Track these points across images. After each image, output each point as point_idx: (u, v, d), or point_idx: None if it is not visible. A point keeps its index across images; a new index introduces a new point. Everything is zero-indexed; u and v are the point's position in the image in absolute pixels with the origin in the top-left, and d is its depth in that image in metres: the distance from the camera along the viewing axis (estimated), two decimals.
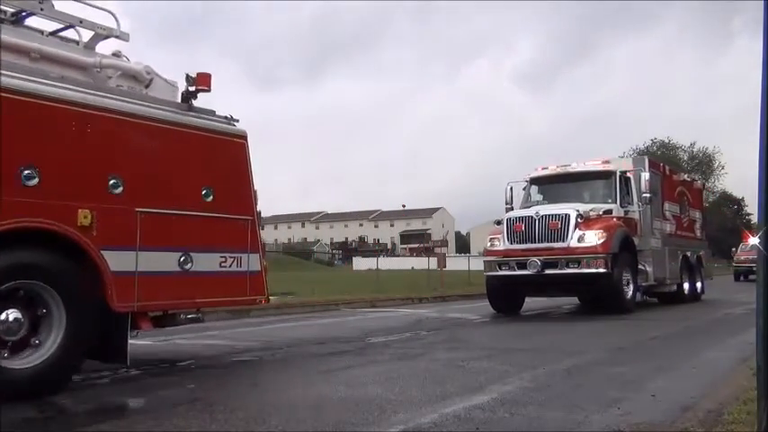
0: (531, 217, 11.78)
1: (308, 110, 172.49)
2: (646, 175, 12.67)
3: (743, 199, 69.86)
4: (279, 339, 8.44)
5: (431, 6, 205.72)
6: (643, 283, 12.77)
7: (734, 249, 31.80)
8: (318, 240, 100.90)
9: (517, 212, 12.54)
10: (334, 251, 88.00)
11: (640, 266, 12.60)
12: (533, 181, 13.81)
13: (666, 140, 64.20)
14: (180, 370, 5.90)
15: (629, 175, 13.12)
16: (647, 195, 12.57)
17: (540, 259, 11.32)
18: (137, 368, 5.98)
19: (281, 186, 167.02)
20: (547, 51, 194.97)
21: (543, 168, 13.84)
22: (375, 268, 26.28)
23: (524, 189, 13.84)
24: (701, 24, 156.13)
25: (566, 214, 11.53)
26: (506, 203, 13.80)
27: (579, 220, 11.41)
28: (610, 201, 12.38)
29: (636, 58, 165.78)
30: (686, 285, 15.32)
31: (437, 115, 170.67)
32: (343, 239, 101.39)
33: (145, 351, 7.39)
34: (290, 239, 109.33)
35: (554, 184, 13.40)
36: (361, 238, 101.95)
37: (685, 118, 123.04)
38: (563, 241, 11.38)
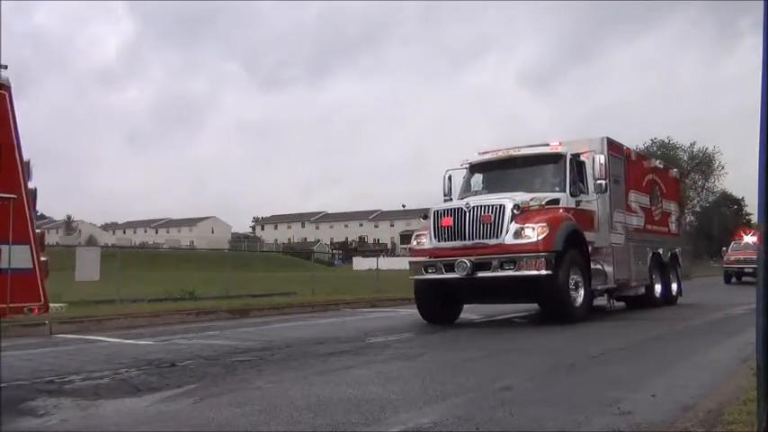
0: (461, 209, 9.85)
1: (311, 110, 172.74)
2: (601, 158, 10.69)
3: (743, 199, 70.05)
4: (279, 339, 8.44)
5: (434, 6, 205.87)
6: (599, 286, 10.92)
7: (724, 249, 29.08)
8: (318, 240, 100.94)
9: (445, 204, 10.66)
10: (334, 251, 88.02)
11: (597, 266, 10.81)
12: (473, 168, 11.82)
13: (666, 140, 64.22)
14: (180, 370, 5.90)
15: (583, 158, 11.05)
16: (603, 182, 10.65)
17: (469, 259, 9.44)
18: (137, 368, 5.99)
19: (283, 186, 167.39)
20: (551, 51, 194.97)
21: (484, 153, 11.81)
22: (375, 268, 26.27)
23: (465, 177, 11.92)
24: (706, 25, 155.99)
25: (500, 205, 9.62)
26: (444, 195, 11.82)
27: (516, 211, 9.55)
28: (558, 189, 10.47)
29: (640, 59, 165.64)
30: (658, 287, 13.48)
31: (439, 115, 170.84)
32: (344, 239, 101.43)
33: (145, 351, 7.40)
34: (290, 239, 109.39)
35: (497, 171, 11.46)
36: (361, 238, 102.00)
37: (688, 118, 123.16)
38: (496, 237, 9.49)
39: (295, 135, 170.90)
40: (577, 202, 10.56)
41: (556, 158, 10.82)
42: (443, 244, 9.97)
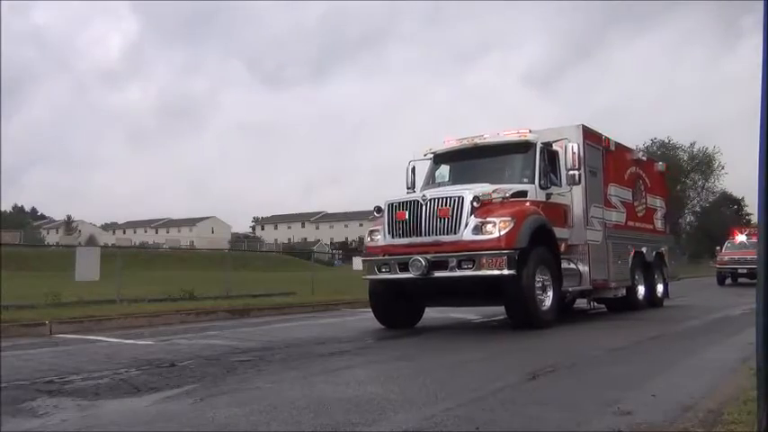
0: (417, 201, 9.01)
1: (312, 109, 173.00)
2: (573, 147, 9.77)
3: (743, 199, 70.01)
4: (279, 339, 8.43)
5: (437, 6, 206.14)
6: (571, 288, 10.08)
7: (718, 248, 27.86)
8: (318, 240, 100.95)
9: (400, 196, 9.63)
10: (334, 251, 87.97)
11: (571, 266, 10.05)
12: (438, 158, 10.96)
13: (666, 140, 64.16)
14: (180, 370, 5.90)
15: (555, 147, 10.20)
16: (576, 173, 9.71)
17: (425, 258, 8.59)
18: (137, 368, 5.99)
19: (283, 186, 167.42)
20: (553, 51, 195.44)
21: (449, 141, 10.88)
22: None
23: (429, 168, 11.13)
24: (709, 25, 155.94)
25: (458, 197, 8.77)
26: (408, 188, 10.98)
27: (475, 204, 8.68)
28: (526, 180, 9.69)
29: (642, 58, 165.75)
30: (641, 289, 12.64)
31: (442, 115, 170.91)
32: (343, 239, 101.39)
33: (145, 351, 7.40)
34: (290, 239, 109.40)
35: (463, 161, 10.60)
36: (362, 239, 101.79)
37: (691, 118, 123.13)
38: (454, 233, 8.66)
39: (296, 135, 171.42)
40: (548, 195, 9.76)
41: (525, 147, 9.98)
42: (398, 240, 9.14)
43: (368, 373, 5.70)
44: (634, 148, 14.90)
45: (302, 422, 3.78)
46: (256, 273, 31.77)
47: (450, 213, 8.75)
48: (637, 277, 12.45)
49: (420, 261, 8.60)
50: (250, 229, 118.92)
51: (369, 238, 9.79)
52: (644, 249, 12.84)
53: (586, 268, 10.37)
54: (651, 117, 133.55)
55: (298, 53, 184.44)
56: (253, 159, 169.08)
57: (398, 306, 9.82)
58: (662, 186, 15.07)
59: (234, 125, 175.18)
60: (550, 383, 5.09)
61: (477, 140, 10.50)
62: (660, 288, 13.68)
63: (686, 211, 66.56)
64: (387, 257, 9.25)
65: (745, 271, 23.70)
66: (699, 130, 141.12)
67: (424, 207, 8.94)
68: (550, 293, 9.13)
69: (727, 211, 69.50)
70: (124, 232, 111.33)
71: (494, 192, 9.08)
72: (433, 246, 8.80)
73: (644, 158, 14.25)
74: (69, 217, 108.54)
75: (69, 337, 9.26)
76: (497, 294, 8.85)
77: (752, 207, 54.65)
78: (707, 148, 64.33)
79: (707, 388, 4.69)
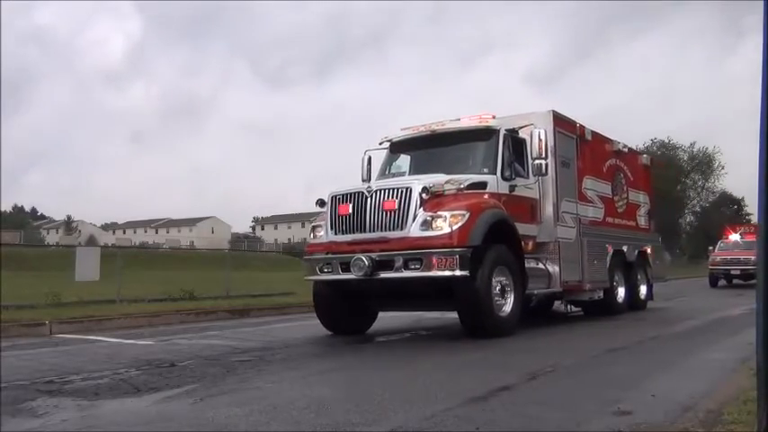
0: (362, 193, 8.05)
1: (314, 109, 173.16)
2: (540, 133, 8.79)
3: (743, 199, 69.99)
4: (279, 339, 8.44)
5: (440, 7, 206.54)
6: (536, 291, 9.12)
7: (711, 248, 26.49)
8: None
9: (345, 188, 8.44)
10: None
11: (539, 266, 9.19)
12: (394, 147, 9.99)
13: (666, 140, 64.12)
14: (180, 370, 5.90)
15: (522, 135, 9.24)
16: (542, 162, 8.79)
17: (369, 257, 7.64)
18: (137, 368, 5.99)
19: (284, 186, 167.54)
20: (554, 51, 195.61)
21: (406, 128, 9.96)
22: None
23: (385, 158, 10.21)
24: (710, 24, 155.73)
25: (406, 188, 7.85)
26: (363, 179, 9.98)
27: (424, 196, 7.75)
28: (487, 171, 8.74)
29: (643, 58, 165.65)
30: (621, 291, 11.66)
31: (443, 114, 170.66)
32: None
33: (145, 351, 7.40)
34: (290, 239, 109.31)
35: (421, 150, 9.68)
36: None
37: (691, 118, 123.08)
38: (401, 229, 7.71)
39: (297, 134, 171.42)
40: (512, 188, 8.82)
41: (487, 134, 9.05)
42: (341, 237, 8.17)
43: (367, 373, 5.70)
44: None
45: (302, 422, 3.78)
46: (256, 273, 31.74)
47: (397, 206, 7.79)
48: (616, 278, 11.54)
49: (362, 261, 7.64)
50: (250, 229, 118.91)
51: (311, 235, 8.81)
52: (625, 248, 11.85)
53: (557, 268, 9.45)
54: (651, 117, 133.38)
55: (300, 53, 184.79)
56: (253, 159, 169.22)
57: (345, 310, 8.87)
58: (646, 180, 13.92)
59: (235, 125, 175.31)
60: (550, 383, 5.10)
61: (435, 127, 9.56)
62: (643, 290, 12.78)
63: (686, 211, 66.57)
64: (329, 256, 8.30)
65: (738, 272, 22.86)
66: (699, 130, 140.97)
67: (369, 200, 7.97)
68: (511, 298, 8.14)
69: (727, 211, 69.44)
70: (124, 232, 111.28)
71: (447, 182, 8.13)
72: (379, 243, 7.85)
73: (625, 150, 13.00)
74: (69, 217, 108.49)
75: (69, 337, 9.26)
76: (449, 298, 7.84)
77: (752, 207, 54.59)
78: (707, 148, 64.27)
79: (707, 388, 4.69)
